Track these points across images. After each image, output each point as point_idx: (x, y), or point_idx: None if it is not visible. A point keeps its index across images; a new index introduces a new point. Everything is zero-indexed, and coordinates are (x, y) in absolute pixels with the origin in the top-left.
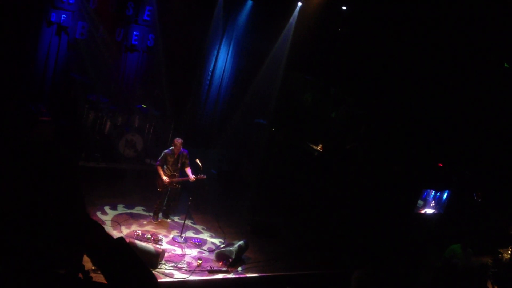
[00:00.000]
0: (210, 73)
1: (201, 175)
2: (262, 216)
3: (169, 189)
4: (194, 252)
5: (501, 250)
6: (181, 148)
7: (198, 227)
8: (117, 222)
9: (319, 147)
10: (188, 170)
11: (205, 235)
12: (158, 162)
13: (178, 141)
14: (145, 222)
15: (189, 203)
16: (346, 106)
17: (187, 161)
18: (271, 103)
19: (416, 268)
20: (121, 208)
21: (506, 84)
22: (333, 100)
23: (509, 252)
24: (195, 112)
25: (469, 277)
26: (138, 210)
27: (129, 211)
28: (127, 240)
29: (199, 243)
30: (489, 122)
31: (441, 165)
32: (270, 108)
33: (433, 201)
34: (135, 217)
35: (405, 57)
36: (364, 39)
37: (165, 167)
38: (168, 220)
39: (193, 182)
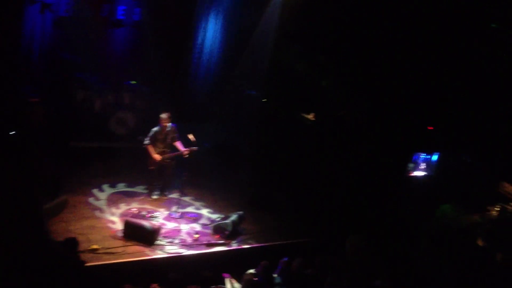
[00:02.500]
0: (199, 46)
1: (193, 147)
2: (258, 187)
3: (162, 166)
4: (191, 227)
5: (489, 208)
6: (169, 123)
7: (193, 201)
8: (112, 201)
9: (311, 116)
10: (179, 144)
11: (201, 209)
12: (147, 141)
13: (164, 116)
14: (141, 200)
15: (184, 178)
16: (336, 74)
17: (176, 135)
18: (262, 74)
19: (410, 231)
20: (115, 187)
21: (493, 45)
22: (323, 68)
23: (497, 209)
24: (185, 86)
25: (461, 236)
26: (131, 188)
27: (122, 189)
28: (124, 218)
29: (196, 218)
30: (477, 84)
31: (431, 128)
32: (261, 79)
33: (423, 164)
34: (130, 195)
35: (393, 19)
36: (353, 5)
37: (155, 144)
38: (164, 196)
39: (186, 156)
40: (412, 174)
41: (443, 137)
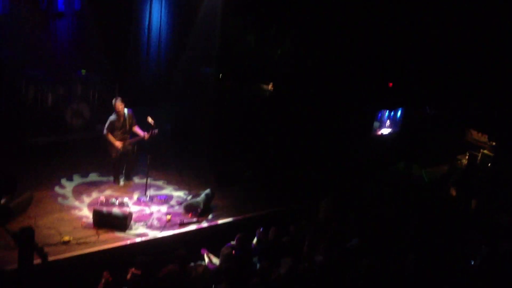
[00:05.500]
0: (146, 28)
1: (154, 131)
2: (223, 163)
3: (124, 153)
4: (162, 208)
5: (459, 157)
6: (124, 109)
7: (161, 183)
8: (78, 192)
9: (269, 87)
10: (137, 129)
11: (169, 190)
12: (105, 130)
13: (118, 102)
14: (107, 188)
15: (148, 161)
16: (290, 41)
17: (134, 120)
18: (214, 50)
19: (380, 189)
20: (79, 178)
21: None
22: (276, 37)
23: (467, 157)
24: (138, 70)
25: (432, 188)
26: (96, 177)
27: (87, 179)
28: (93, 207)
29: (166, 199)
30: (433, 36)
31: (391, 84)
32: (214, 56)
33: (388, 121)
34: (96, 185)
35: None
36: None
37: (114, 132)
38: (130, 182)
39: (148, 139)
40: (379, 133)
41: (405, 92)
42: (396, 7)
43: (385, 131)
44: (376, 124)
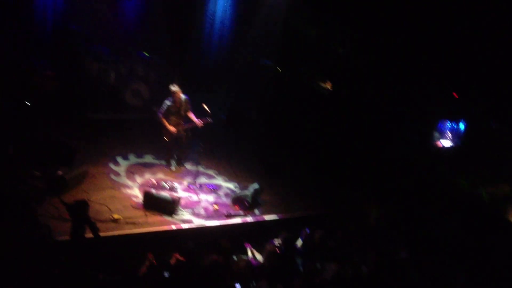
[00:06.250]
0: (211, 16)
1: (208, 119)
2: (274, 158)
3: (177, 138)
4: (210, 197)
5: None
6: (181, 94)
7: (211, 172)
8: (131, 171)
9: (328, 85)
10: (192, 115)
11: (219, 180)
12: (160, 113)
13: (176, 88)
14: (158, 171)
15: (201, 149)
16: (353, 41)
17: (189, 106)
18: (275, 41)
19: (434, 203)
20: (133, 158)
21: None
22: (339, 35)
23: None
24: (199, 57)
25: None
26: (149, 159)
27: (140, 160)
28: (143, 189)
29: (215, 189)
30: (502, 47)
31: (455, 94)
32: (275, 48)
33: (450, 132)
34: (148, 166)
35: None
36: None
37: (169, 117)
38: (181, 167)
39: (201, 127)
40: (439, 144)
41: (470, 103)
42: (467, 12)
43: (446, 143)
44: (436, 134)
